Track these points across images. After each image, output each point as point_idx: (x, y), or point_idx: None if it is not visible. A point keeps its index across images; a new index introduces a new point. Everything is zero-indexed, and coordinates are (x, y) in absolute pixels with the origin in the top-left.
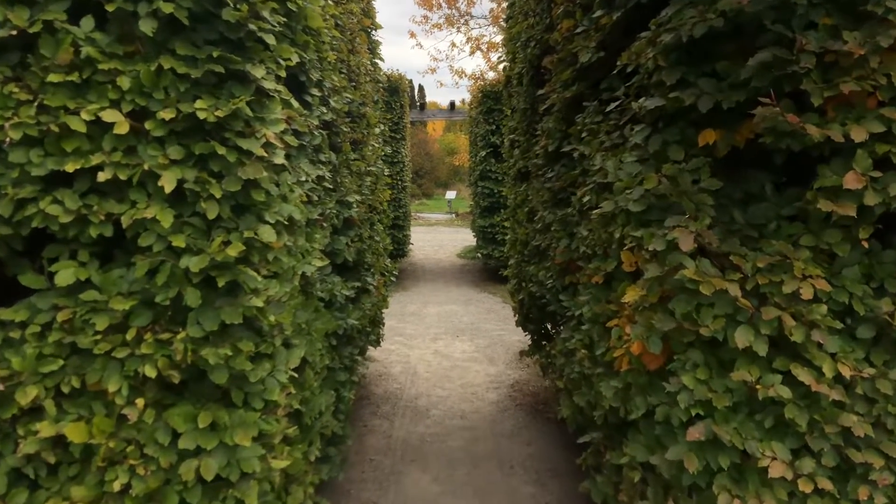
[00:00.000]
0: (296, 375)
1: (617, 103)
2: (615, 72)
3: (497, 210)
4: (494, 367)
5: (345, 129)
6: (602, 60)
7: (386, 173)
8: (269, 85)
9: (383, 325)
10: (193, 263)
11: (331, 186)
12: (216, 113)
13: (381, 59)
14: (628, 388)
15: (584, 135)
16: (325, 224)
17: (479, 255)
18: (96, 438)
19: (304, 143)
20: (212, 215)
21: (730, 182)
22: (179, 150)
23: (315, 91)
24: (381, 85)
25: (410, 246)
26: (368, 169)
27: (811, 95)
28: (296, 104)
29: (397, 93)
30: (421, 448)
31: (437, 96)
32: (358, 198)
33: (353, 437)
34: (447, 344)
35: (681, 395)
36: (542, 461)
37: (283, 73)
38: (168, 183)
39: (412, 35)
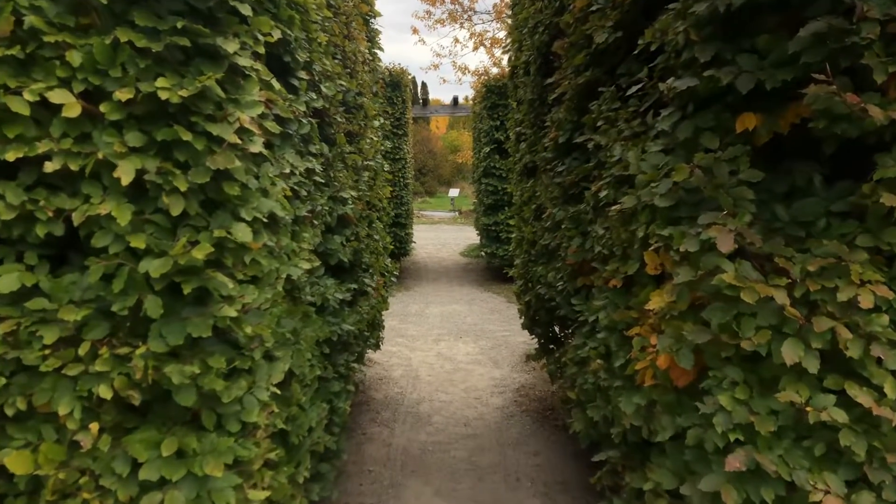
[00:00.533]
0: (279, 392)
1: (638, 86)
2: (634, 53)
3: (501, 207)
4: (499, 371)
5: (339, 120)
6: (619, 42)
7: (386, 169)
8: (245, 62)
9: (383, 327)
10: (154, 267)
11: (322, 181)
12: (181, 93)
13: (381, 49)
14: (652, 405)
15: (599, 123)
16: (315, 222)
17: (482, 253)
18: (44, 468)
19: (290, 132)
20: (176, 211)
21: (771, 174)
22: (139, 137)
23: (302, 74)
24: (380, 76)
25: (413, 244)
26: (366, 163)
27: (873, 71)
28: (278, 86)
29: (399, 87)
30: (422, 458)
31: (440, 93)
32: (354, 194)
33: (351, 446)
34: (450, 346)
35: (717, 417)
36: (550, 473)
37: (261, 50)
38: (125, 174)
39: (415, 31)
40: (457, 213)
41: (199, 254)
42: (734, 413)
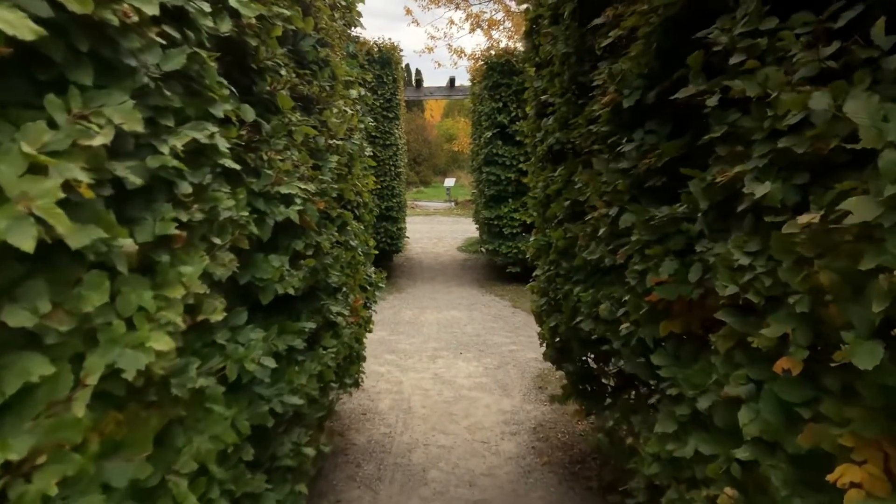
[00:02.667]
0: None
1: None
2: None
3: (505, 200)
4: (509, 400)
5: (281, 73)
6: None
7: (369, 152)
8: None
9: (363, 359)
10: None
11: (236, 166)
12: None
13: (362, 2)
14: None
15: (739, 60)
16: (217, 239)
17: (482, 249)
18: None
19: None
20: None
21: None
22: None
23: None
24: (358, 40)
25: (406, 239)
26: (333, 143)
27: None
28: None
29: (389, 65)
30: None
31: (435, 79)
32: (310, 187)
33: None
34: (449, 364)
35: None
36: None
37: None
38: None
39: (408, 11)
40: (453, 203)
41: None
42: None
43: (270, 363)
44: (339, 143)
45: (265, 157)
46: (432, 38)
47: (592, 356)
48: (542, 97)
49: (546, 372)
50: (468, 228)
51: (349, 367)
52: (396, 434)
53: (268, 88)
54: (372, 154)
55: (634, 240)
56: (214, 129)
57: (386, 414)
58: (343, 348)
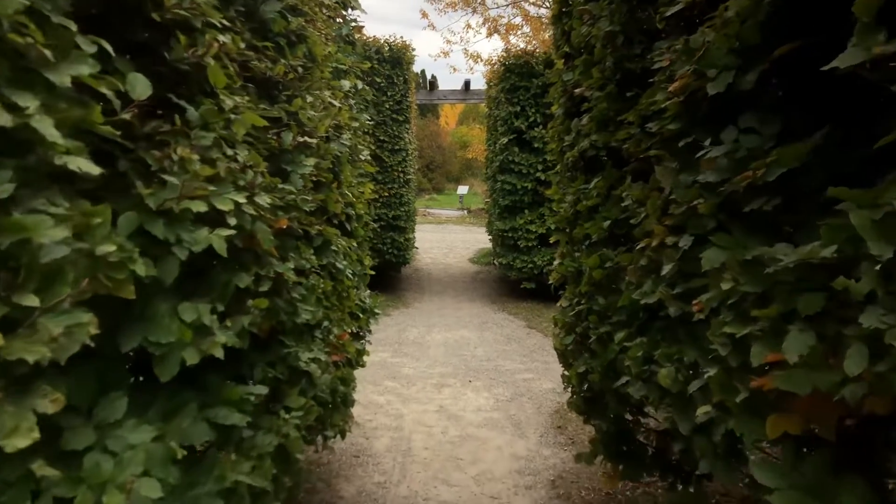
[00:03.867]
0: None
1: None
2: None
3: (521, 210)
4: (524, 442)
5: (221, 39)
6: None
7: (365, 156)
8: None
9: (351, 403)
10: None
11: (92, 169)
12: None
13: None
14: None
15: None
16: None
17: (495, 262)
18: None
19: None
20: None
21: None
22: None
23: None
24: (354, 21)
25: (415, 249)
26: (308, 142)
27: None
28: None
29: (400, 65)
30: None
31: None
32: (264, 199)
33: None
34: (456, 394)
35: None
36: None
37: None
38: None
39: (424, 15)
40: (465, 211)
41: None
42: None
43: (166, 475)
44: (318, 142)
45: (175, 157)
46: (448, 42)
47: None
48: (576, 91)
49: (565, 408)
50: (480, 238)
51: (331, 416)
52: (392, 484)
53: (186, 55)
54: (371, 158)
55: (727, 288)
56: (32, 102)
57: (382, 457)
58: (322, 397)
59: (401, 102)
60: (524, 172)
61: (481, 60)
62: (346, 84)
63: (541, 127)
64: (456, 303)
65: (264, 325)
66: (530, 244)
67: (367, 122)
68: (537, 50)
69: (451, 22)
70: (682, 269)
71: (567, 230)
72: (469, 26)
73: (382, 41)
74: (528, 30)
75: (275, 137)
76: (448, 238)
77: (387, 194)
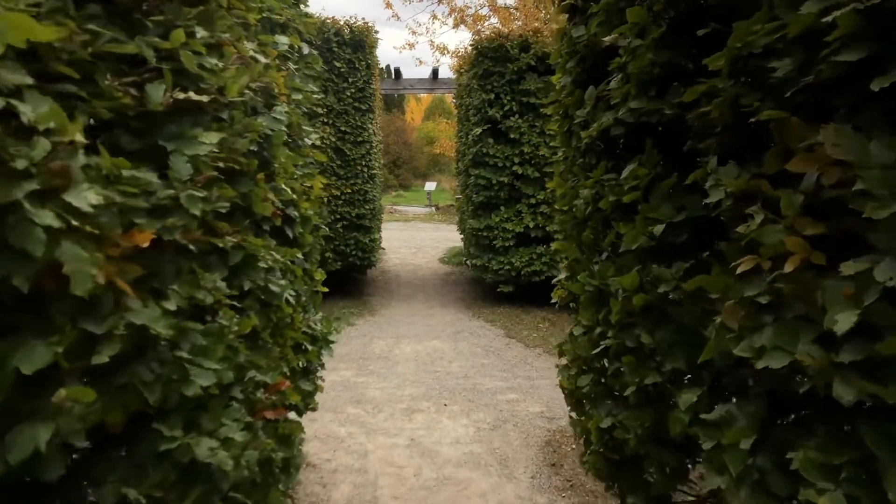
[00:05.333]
0: None
1: None
2: None
3: (496, 207)
4: (512, 486)
5: None
6: None
7: (312, 139)
8: None
9: (295, 468)
10: None
11: None
12: None
13: None
14: None
15: None
16: None
17: (468, 263)
18: None
19: None
20: None
21: None
22: None
23: None
24: None
25: (382, 250)
26: (193, 100)
27: None
28: None
29: (362, 48)
30: None
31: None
32: (87, 197)
33: None
34: (430, 422)
35: None
36: None
37: None
38: None
39: (388, 5)
40: (434, 208)
41: None
42: None
43: None
44: (234, 113)
45: None
46: (414, 33)
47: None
48: (604, 41)
49: (558, 437)
50: (450, 236)
51: (263, 497)
52: None
53: None
54: (322, 144)
55: None
56: None
57: None
58: (244, 484)
59: (363, 90)
60: (500, 166)
61: (448, 52)
62: (282, 40)
63: (517, 116)
64: (427, 308)
65: (114, 416)
66: (507, 244)
67: (311, 93)
68: (512, 31)
69: (416, 13)
70: (867, 318)
71: (578, 234)
72: (435, 16)
73: (342, 22)
74: (495, 21)
75: (132, 91)
76: (417, 236)
77: (349, 191)
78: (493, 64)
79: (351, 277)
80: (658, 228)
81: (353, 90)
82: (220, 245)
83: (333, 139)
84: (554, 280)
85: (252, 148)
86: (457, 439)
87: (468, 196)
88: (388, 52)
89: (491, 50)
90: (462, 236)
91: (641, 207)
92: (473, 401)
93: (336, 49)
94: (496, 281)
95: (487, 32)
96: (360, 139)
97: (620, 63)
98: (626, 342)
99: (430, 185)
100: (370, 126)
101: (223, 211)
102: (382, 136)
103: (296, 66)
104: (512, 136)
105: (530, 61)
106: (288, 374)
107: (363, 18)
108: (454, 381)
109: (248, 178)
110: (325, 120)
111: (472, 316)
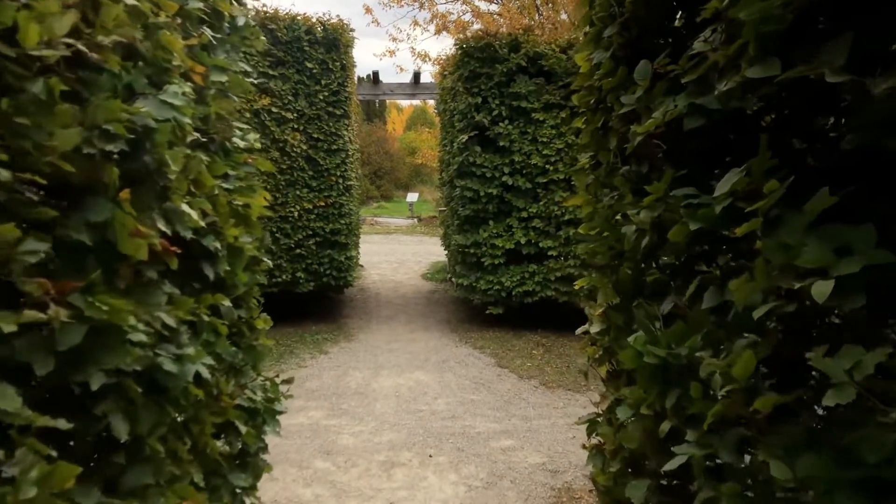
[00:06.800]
0: None
1: None
2: None
3: (484, 222)
4: None
5: None
6: None
7: (249, 140)
8: None
9: None
10: None
11: None
12: None
13: None
14: None
15: None
16: None
17: (452, 280)
18: None
19: None
20: None
21: None
22: None
23: None
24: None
25: (360, 268)
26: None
27: None
28: None
29: (336, 48)
30: None
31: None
32: None
33: None
34: (413, 479)
35: None
36: None
37: None
38: None
39: (368, 10)
40: (416, 220)
41: None
42: None
43: None
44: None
45: None
46: (394, 39)
47: None
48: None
49: (565, 499)
50: (433, 250)
51: None
52: None
53: None
54: (292, 153)
55: None
56: None
57: None
58: None
59: (338, 93)
60: (488, 176)
61: (429, 60)
62: None
63: (507, 122)
64: (409, 332)
65: None
66: (496, 262)
67: (249, 80)
68: (501, 30)
69: (396, 18)
70: None
71: (617, 270)
72: (416, 23)
73: (315, 20)
74: (479, 27)
75: None
76: (398, 250)
77: (322, 204)
78: (480, 65)
79: (326, 297)
80: (821, 288)
81: (326, 93)
82: (33, 321)
83: (304, 147)
84: (578, 331)
85: (110, 148)
86: (444, 503)
87: (453, 209)
88: (367, 59)
89: (477, 50)
90: (447, 253)
91: (764, 245)
92: (463, 449)
93: (307, 48)
94: (485, 302)
95: (475, 28)
96: (334, 147)
97: (722, 5)
98: (726, 458)
99: (413, 196)
100: (346, 133)
101: (32, 261)
102: (361, 145)
103: (224, 39)
104: (501, 143)
105: (521, 62)
106: (202, 483)
107: (337, 15)
108: (440, 422)
109: (100, 197)
110: (296, 126)
111: (459, 341)
